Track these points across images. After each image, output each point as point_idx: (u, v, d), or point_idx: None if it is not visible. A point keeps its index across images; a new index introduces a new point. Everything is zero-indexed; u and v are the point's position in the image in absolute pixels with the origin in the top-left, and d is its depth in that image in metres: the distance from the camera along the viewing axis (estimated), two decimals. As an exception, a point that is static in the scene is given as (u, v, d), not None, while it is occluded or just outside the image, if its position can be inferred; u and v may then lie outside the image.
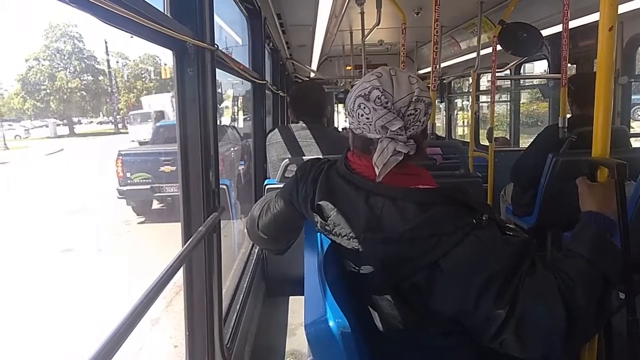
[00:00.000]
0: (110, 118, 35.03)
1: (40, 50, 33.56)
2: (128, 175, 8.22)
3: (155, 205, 9.15)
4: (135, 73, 36.31)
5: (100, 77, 34.96)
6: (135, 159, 8.48)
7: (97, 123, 36.05)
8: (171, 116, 20.78)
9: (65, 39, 34.03)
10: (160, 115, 21.01)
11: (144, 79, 36.15)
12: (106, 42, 33.39)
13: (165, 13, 1.31)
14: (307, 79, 7.39)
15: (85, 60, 34.55)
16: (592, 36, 3.49)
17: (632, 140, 2.95)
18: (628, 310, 1.13)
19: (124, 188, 8.31)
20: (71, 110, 33.69)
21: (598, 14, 1.12)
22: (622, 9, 2.76)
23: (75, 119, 35.24)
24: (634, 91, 3.55)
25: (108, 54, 33.94)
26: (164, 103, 21.98)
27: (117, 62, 36.23)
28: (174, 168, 7.70)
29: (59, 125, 32.87)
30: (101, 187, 9.78)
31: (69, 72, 34.02)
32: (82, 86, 33.79)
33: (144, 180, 8.18)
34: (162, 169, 8.18)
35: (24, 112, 32.76)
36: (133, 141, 21.07)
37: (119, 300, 4.10)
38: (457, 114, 8.01)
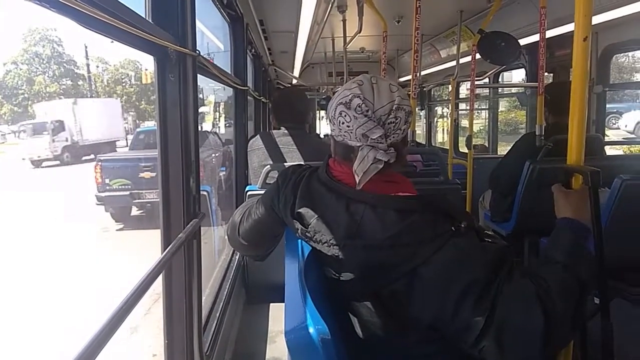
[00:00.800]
0: None
1: (18, 53, 32.98)
2: (107, 181, 8.09)
3: (135, 211, 8.96)
4: (116, 78, 35.80)
5: (80, 82, 34.37)
6: (114, 165, 8.37)
7: None
8: (72, 127, 18.39)
9: (44, 43, 33.45)
10: (60, 126, 18.13)
11: (124, 84, 35.66)
12: (86, 47, 32.87)
13: (147, 19, 1.31)
14: (290, 85, 7.40)
15: (65, 64, 33.97)
16: (568, 46, 3.55)
17: (606, 148, 3.01)
18: (602, 315, 1.16)
19: (103, 194, 8.15)
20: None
21: (573, 24, 1.15)
22: (597, 19, 2.82)
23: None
24: (609, 100, 3.64)
25: (88, 59, 33.40)
26: (64, 111, 18.66)
27: (97, 66, 35.68)
28: (154, 174, 7.62)
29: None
30: (79, 193, 9.62)
31: (48, 76, 33.42)
32: (61, 90, 33.21)
33: (123, 187, 8.09)
34: (141, 175, 8.05)
35: (0, 117, 32.08)
36: (24, 159, 17.98)
37: (90, 312, 3.98)
38: (437, 122, 8.10)
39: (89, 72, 33.39)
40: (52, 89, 32.66)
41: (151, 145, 9.43)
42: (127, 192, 8.08)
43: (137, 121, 31.91)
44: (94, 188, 8.21)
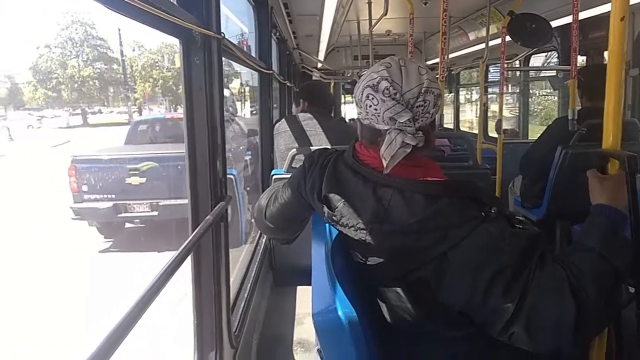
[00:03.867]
0: (124, 108, 34.28)
1: (51, 37, 33.17)
2: (84, 189, 6.30)
3: (129, 224, 6.94)
4: (151, 62, 35.61)
5: (115, 66, 34.29)
6: (94, 168, 6.49)
7: (117, 113, 35.24)
8: None
9: (77, 26, 33.43)
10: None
11: (161, 68, 35.41)
12: (119, 30, 32.76)
13: (172, 1, 1.31)
14: (315, 69, 7.38)
15: (99, 48, 33.90)
16: (602, 27, 3.46)
17: None
18: (638, 304, 1.13)
19: (79, 206, 6.31)
20: (84, 99, 33.24)
21: (609, 4, 1.11)
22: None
23: (95, 109, 34.55)
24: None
25: (121, 42, 33.17)
26: None
27: (133, 50, 35.53)
28: (143, 180, 6.21)
29: (74, 114, 32.21)
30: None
31: (82, 59, 33.54)
32: (95, 74, 33.43)
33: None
34: (128, 180, 6.26)
35: (34, 101, 32.56)
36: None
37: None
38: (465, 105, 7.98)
39: (122, 55, 33.35)
40: (85, 73, 32.88)
41: (157, 139, 7.89)
42: (110, 204, 6.27)
43: (174, 105, 31.84)
44: (70, 198, 6.35)
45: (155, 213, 6.19)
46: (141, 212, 6.33)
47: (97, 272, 5.43)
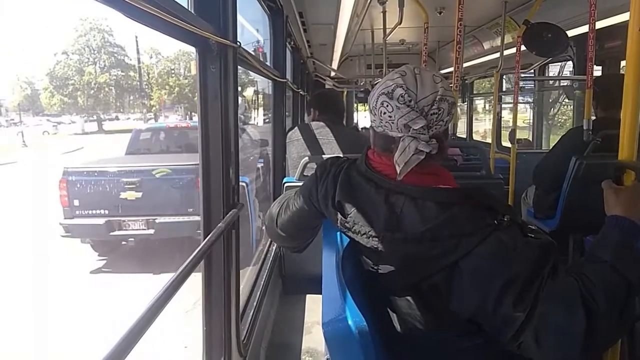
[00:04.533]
0: (141, 115, 34.35)
1: (69, 43, 33.42)
2: (76, 204, 5.81)
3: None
4: (168, 70, 35.76)
5: (131, 73, 34.37)
6: (89, 180, 5.93)
7: (134, 119, 35.11)
8: None
9: (95, 33, 33.64)
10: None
11: (178, 75, 35.43)
12: (136, 37, 32.90)
13: (189, 10, 1.33)
14: (328, 77, 7.40)
15: (116, 55, 34.11)
16: (619, 37, 3.43)
17: None
18: None
19: (70, 222, 5.80)
20: (100, 106, 33.43)
21: (627, 14, 1.10)
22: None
23: (112, 115, 34.71)
24: None
25: (138, 49, 33.26)
26: None
27: (151, 57, 35.76)
28: (139, 194, 5.77)
29: (90, 121, 32.30)
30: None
31: (99, 66, 33.76)
32: (111, 81, 33.64)
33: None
34: (123, 195, 5.80)
35: (51, 107, 32.87)
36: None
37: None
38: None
39: (139, 62, 33.58)
40: (102, 80, 33.13)
41: (159, 149, 7.56)
42: (102, 220, 5.75)
43: (190, 113, 31.91)
44: (60, 213, 5.86)
45: (151, 231, 5.77)
46: (136, 229, 5.86)
47: (85, 296, 4.93)
